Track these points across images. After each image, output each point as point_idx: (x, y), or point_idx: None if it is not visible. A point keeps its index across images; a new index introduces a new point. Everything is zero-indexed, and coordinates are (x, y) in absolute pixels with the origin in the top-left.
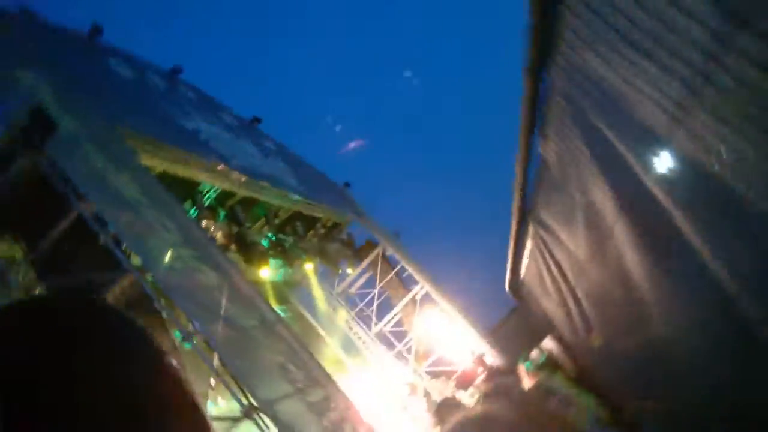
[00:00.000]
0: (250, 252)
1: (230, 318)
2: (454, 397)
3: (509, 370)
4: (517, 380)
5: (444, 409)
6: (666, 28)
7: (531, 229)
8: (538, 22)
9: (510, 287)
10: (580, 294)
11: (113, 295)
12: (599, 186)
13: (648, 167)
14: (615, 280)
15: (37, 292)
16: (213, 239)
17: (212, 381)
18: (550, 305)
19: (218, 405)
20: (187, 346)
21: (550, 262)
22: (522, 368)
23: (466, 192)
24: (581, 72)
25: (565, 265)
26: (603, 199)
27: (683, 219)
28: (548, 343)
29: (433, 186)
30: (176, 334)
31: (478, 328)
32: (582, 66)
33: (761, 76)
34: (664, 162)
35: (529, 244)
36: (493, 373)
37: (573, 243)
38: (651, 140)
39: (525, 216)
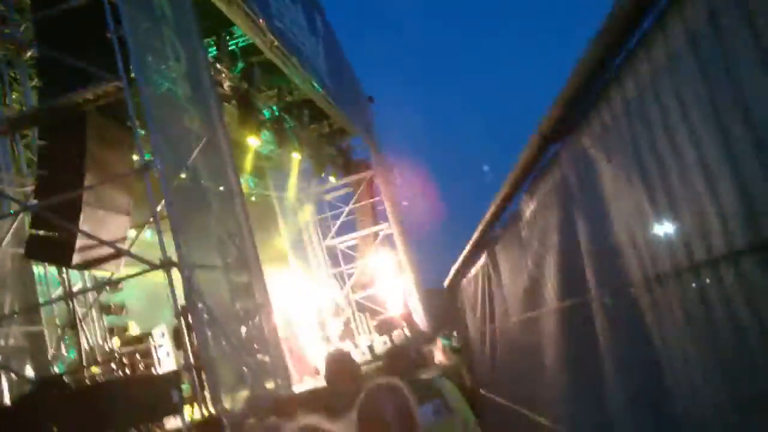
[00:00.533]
0: (249, 115)
1: (193, 170)
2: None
3: (428, 339)
4: (431, 352)
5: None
6: (685, 187)
7: (484, 257)
8: (569, 100)
9: (448, 286)
10: (495, 337)
11: (93, 93)
12: (550, 272)
13: (598, 283)
14: (526, 350)
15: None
16: (216, 86)
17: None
18: (472, 324)
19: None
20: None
21: (486, 294)
22: (440, 343)
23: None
24: (589, 167)
25: (496, 306)
26: (548, 284)
27: (605, 345)
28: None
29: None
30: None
31: (419, 286)
32: (592, 162)
33: None
34: (606, 293)
35: (480, 261)
36: (413, 333)
37: (510, 293)
38: (615, 266)
39: (481, 245)
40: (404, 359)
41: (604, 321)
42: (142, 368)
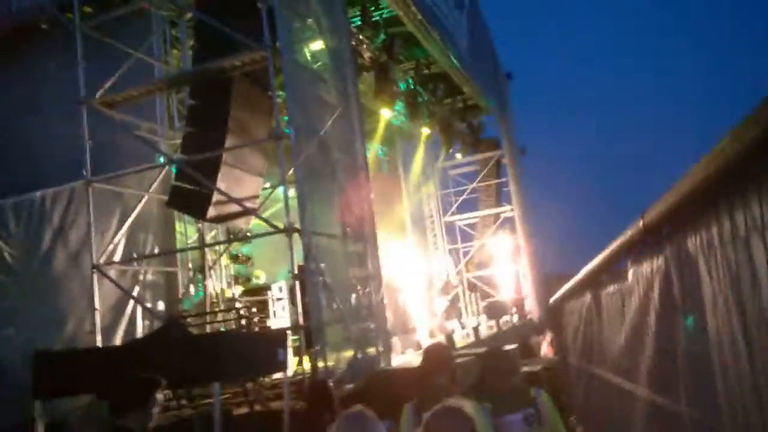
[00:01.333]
0: (385, 86)
1: (324, 141)
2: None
3: (537, 329)
4: (538, 343)
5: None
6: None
7: (589, 297)
8: (683, 198)
9: (552, 306)
10: (591, 380)
11: (241, 60)
12: (645, 352)
13: (691, 396)
14: (617, 413)
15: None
16: (356, 57)
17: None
18: (571, 349)
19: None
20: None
21: (587, 332)
22: (549, 335)
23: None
24: (693, 272)
25: (594, 349)
26: (642, 365)
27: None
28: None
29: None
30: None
31: (535, 273)
32: (696, 270)
33: None
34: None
35: (585, 299)
36: (522, 321)
37: (607, 346)
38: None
39: (587, 284)
40: (499, 364)
41: None
42: (256, 319)
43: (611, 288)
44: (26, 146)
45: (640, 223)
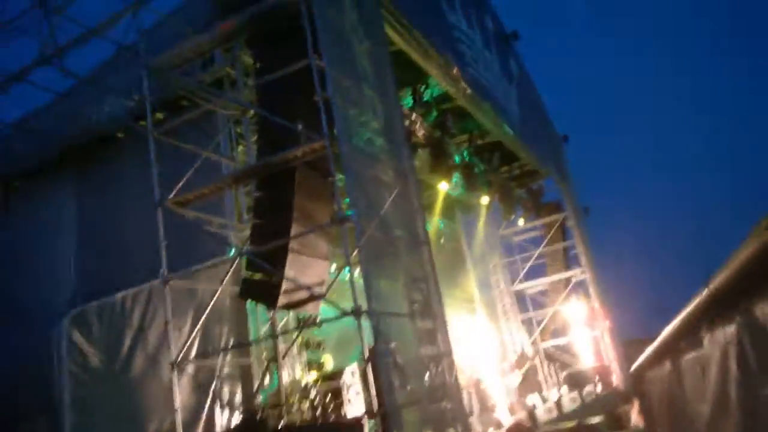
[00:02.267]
0: (440, 161)
1: (385, 220)
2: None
3: (624, 397)
4: (626, 412)
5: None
6: None
7: (668, 365)
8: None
9: (633, 372)
10: None
11: (302, 150)
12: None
13: None
14: None
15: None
16: (409, 138)
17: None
18: (658, 416)
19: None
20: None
21: (670, 400)
22: (636, 403)
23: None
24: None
25: (680, 419)
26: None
27: None
28: None
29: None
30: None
31: (615, 337)
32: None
33: None
34: None
35: (664, 368)
36: (606, 390)
37: (691, 418)
38: None
39: (665, 352)
40: None
41: None
42: (332, 407)
43: (690, 355)
44: (105, 249)
45: (705, 291)
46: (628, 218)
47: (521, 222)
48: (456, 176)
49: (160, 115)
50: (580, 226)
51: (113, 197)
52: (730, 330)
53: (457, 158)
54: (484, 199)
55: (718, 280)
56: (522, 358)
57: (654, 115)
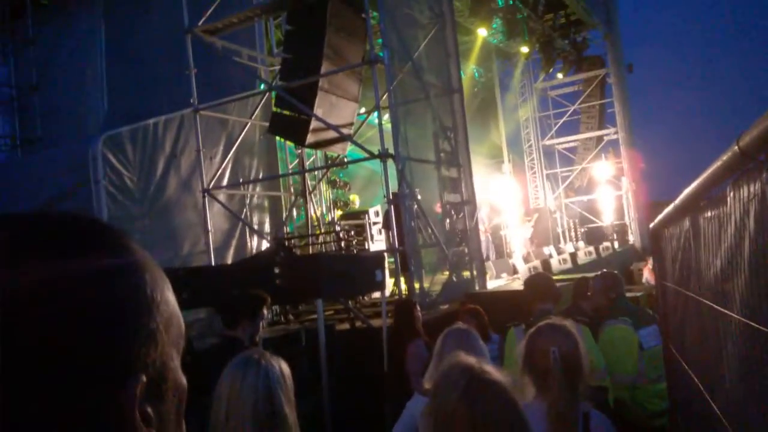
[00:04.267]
0: (482, 3)
1: (418, 64)
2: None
3: (639, 256)
4: (639, 270)
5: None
6: None
7: (688, 222)
8: None
9: (651, 230)
10: (686, 305)
11: None
12: (739, 282)
13: None
14: (706, 338)
15: None
16: None
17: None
18: (670, 275)
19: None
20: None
21: (685, 257)
22: (650, 262)
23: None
24: None
25: (691, 275)
26: (736, 294)
27: None
28: None
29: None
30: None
31: (640, 199)
32: None
33: None
34: None
35: (684, 224)
36: (622, 247)
37: (704, 271)
38: None
39: (685, 209)
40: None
41: None
42: (355, 242)
43: (709, 213)
44: (136, 76)
45: (735, 147)
46: (672, 79)
47: (560, 75)
48: (496, 21)
49: None
50: (621, 84)
51: (143, 22)
52: (754, 187)
53: (500, 2)
54: (524, 49)
55: (749, 136)
56: (530, 212)
57: None
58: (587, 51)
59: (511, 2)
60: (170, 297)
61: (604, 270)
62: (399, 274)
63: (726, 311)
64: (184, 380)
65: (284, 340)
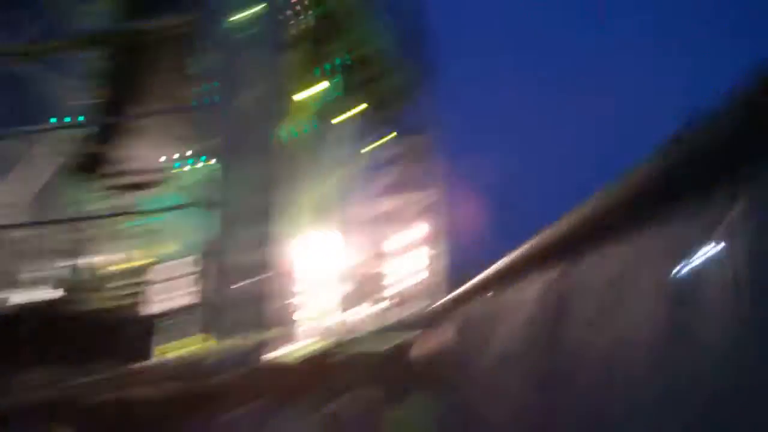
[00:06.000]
0: (316, 61)
1: (243, 114)
2: None
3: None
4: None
5: None
6: None
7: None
8: None
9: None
10: None
11: (169, 22)
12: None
13: None
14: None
15: None
16: (288, 30)
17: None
18: None
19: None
20: None
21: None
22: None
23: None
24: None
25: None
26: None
27: None
28: None
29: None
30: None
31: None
32: None
33: None
34: None
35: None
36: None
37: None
38: None
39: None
40: None
41: None
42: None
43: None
44: None
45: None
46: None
47: (384, 139)
48: (331, 80)
49: None
50: (440, 151)
51: None
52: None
53: (337, 60)
54: (355, 109)
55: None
56: None
57: None
58: (412, 119)
59: (347, 62)
60: None
61: None
62: None
63: None
64: None
65: None
